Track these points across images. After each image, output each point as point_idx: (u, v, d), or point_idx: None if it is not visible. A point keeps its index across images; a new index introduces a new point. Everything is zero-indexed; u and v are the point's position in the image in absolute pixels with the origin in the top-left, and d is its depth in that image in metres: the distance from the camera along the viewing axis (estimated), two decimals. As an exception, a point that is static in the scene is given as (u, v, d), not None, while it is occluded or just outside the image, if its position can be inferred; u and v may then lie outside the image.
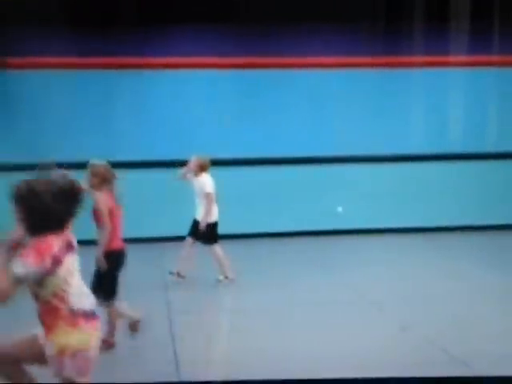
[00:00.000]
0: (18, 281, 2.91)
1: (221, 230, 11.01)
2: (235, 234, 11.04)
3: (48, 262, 2.96)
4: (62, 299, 3.04)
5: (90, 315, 3.14)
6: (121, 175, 10.66)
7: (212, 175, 10.33)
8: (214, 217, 8.03)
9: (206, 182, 7.92)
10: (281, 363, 4.95)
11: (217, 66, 11.20)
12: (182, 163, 10.88)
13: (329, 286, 7.71)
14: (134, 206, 10.02)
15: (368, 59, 11.46)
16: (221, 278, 7.87)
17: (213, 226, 7.98)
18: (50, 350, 3.07)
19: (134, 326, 5.35)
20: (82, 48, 10.63)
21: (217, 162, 11.15)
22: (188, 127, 11.15)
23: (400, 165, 11.65)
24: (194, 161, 7.97)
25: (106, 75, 10.91)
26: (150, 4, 10.41)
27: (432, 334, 5.58)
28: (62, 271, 3.02)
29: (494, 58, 11.68)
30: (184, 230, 11.17)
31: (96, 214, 5.38)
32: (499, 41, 11.55)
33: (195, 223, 8.00)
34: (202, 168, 7.94)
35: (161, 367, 4.94)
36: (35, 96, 10.78)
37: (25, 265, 2.90)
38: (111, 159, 11.17)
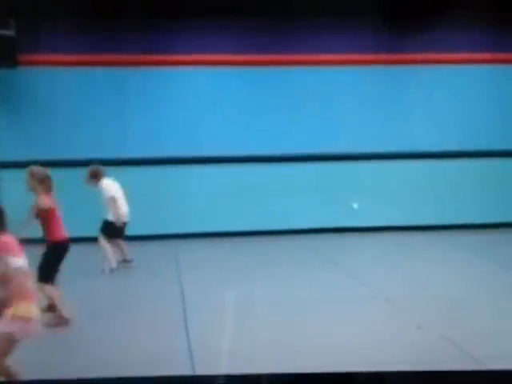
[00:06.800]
0: None
1: (231, 227, 10.97)
2: (247, 231, 11.02)
3: None
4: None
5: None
6: (130, 172, 10.67)
7: (220, 172, 10.39)
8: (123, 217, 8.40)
9: (106, 187, 8.24)
10: (295, 358, 4.90)
11: (223, 63, 11.14)
12: (189, 160, 10.93)
13: (342, 282, 7.66)
14: (145, 202, 10.08)
15: (377, 56, 11.38)
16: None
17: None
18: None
19: (59, 319, 5.89)
20: (91, 45, 10.63)
21: (226, 159, 11.15)
22: (195, 124, 11.12)
23: (410, 162, 11.56)
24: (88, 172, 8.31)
25: (114, 72, 10.88)
26: (158, 2, 10.36)
27: (447, 332, 5.52)
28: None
29: (501, 55, 11.59)
30: (194, 225, 11.23)
31: (40, 213, 5.94)
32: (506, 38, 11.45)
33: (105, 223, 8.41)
34: (95, 176, 8.24)
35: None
36: (44, 93, 10.79)
37: None
38: (120, 156, 11.18)
